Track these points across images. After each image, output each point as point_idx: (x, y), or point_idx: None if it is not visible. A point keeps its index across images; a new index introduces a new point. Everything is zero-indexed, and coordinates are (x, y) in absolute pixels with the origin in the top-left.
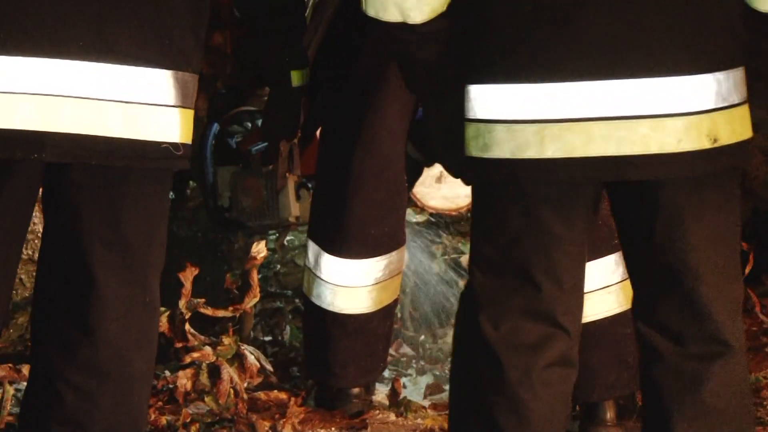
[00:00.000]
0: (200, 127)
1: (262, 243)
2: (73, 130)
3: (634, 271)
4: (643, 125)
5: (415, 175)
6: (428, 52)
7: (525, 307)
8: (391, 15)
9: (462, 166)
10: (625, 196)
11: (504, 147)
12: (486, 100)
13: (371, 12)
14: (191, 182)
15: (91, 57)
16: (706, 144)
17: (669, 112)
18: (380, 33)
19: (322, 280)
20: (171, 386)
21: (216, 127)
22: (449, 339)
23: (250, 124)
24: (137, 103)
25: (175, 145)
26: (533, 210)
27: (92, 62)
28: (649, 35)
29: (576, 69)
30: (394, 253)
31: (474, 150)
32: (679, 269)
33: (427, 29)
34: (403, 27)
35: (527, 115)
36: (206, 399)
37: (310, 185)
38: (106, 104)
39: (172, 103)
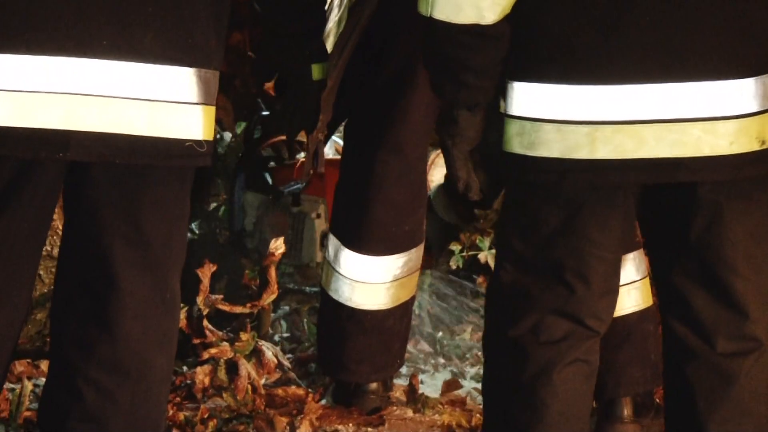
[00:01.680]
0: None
1: (281, 239)
2: (97, 129)
3: (666, 267)
4: (696, 128)
5: (443, 242)
6: (487, 57)
7: (553, 306)
8: (465, 16)
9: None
10: (662, 194)
11: (553, 147)
12: (535, 98)
13: (441, 16)
14: (217, 180)
15: (115, 56)
16: (755, 146)
17: (721, 114)
18: (436, 40)
19: (340, 274)
20: (189, 382)
21: (243, 177)
22: (467, 336)
23: (287, 154)
24: (161, 102)
25: (198, 142)
26: (571, 213)
27: (116, 61)
28: (698, 40)
29: (628, 72)
30: (413, 251)
31: (518, 147)
32: (716, 264)
33: (494, 31)
34: (473, 30)
35: (579, 116)
36: (224, 395)
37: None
38: (130, 103)
39: (195, 101)
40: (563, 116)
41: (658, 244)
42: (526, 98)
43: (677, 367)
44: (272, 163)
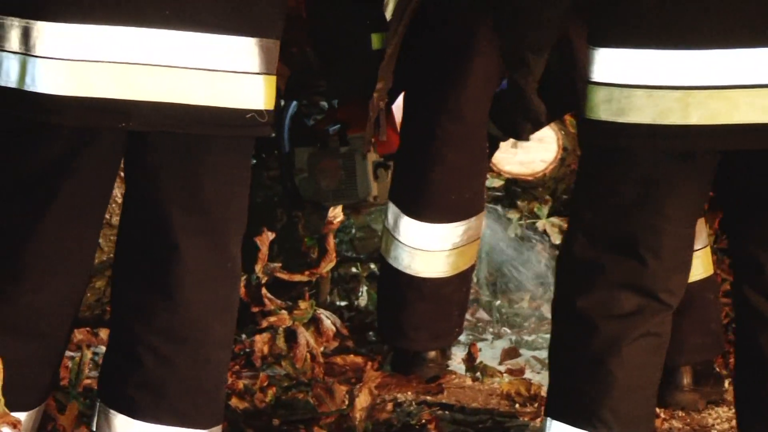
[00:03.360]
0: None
1: (339, 208)
2: (158, 99)
3: (743, 235)
4: None
5: (491, 149)
6: (557, 9)
7: (625, 279)
8: None
9: (581, 130)
10: (743, 161)
11: (644, 112)
12: (624, 64)
13: None
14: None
15: (176, 26)
16: None
17: None
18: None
19: (400, 242)
20: (248, 350)
21: (294, 106)
22: (525, 304)
23: (326, 104)
24: (222, 72)
25: (260, 112)
26: (647, 185)
27: (177, 31)
28: None
29: (721, 36)
30: (473, 219)
31: (605, 114)
32: None
33: None
34: None
35: (670, 81)
36: (283, 363)
37: (388, 164)
38: (191, 73)
39: (257, 71)
40: (654, 81)
41: (735, 212)
42: (615, 64)
43: (751, 337)
44: (315, 117)
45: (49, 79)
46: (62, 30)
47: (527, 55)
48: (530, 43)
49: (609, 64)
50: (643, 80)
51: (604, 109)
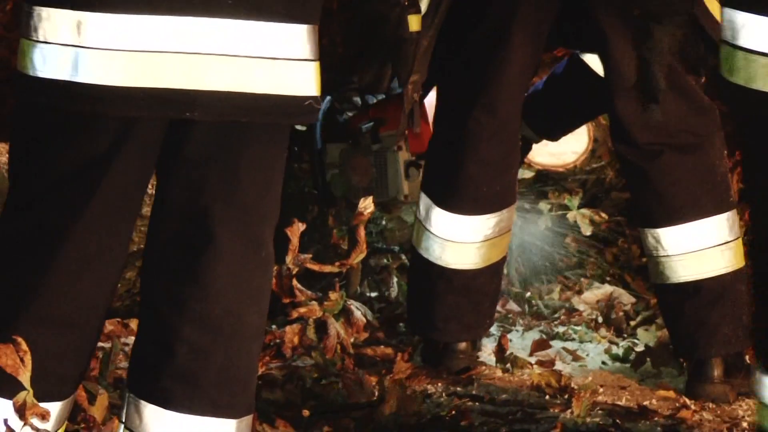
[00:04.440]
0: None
1: (369, 199)
2: (221, 89)
3: None
4: None
5: (524, 152)
6: None
7: None
8: None
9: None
10: None
11: (740, 74)
12: (734, 25)
13: None
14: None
15: (240, 15)
16: None
17: None
18: None
19: (431, 233)
20: (278, 341)
21: (327, 101)
22: (555, 296)
23: (359, 100)
24: (282, 59)
25: (315, 98)
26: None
27: (241, 20)
28: None
29: None
30: (504, 211)
31: (724, 71)
32: None
33: None
34: None
35: (761, 47)
36: (313, 354)
37: (420, 164)
38: (254, 61)
39: (310, 57)
40: (750, 45)
41: None
42: (730, 24)
43: None
44: (346, 114)
45: (107, 69)
46: (119, 21)
47: (652, 26)
48: (655, 9)
49: (727, 23)
50: (744, 43)
51: (724, 66)
